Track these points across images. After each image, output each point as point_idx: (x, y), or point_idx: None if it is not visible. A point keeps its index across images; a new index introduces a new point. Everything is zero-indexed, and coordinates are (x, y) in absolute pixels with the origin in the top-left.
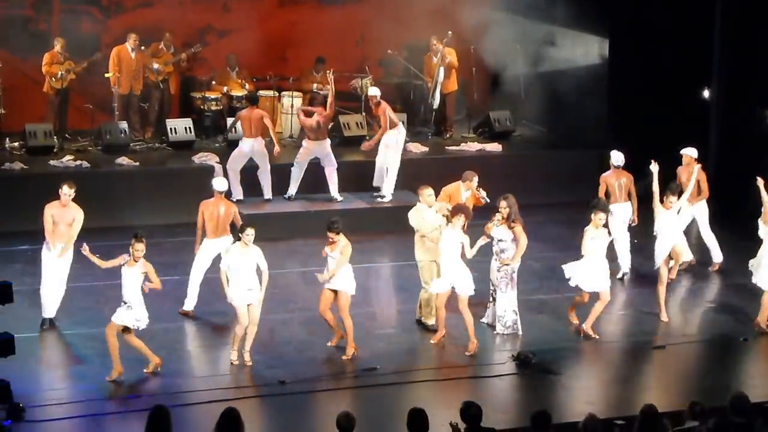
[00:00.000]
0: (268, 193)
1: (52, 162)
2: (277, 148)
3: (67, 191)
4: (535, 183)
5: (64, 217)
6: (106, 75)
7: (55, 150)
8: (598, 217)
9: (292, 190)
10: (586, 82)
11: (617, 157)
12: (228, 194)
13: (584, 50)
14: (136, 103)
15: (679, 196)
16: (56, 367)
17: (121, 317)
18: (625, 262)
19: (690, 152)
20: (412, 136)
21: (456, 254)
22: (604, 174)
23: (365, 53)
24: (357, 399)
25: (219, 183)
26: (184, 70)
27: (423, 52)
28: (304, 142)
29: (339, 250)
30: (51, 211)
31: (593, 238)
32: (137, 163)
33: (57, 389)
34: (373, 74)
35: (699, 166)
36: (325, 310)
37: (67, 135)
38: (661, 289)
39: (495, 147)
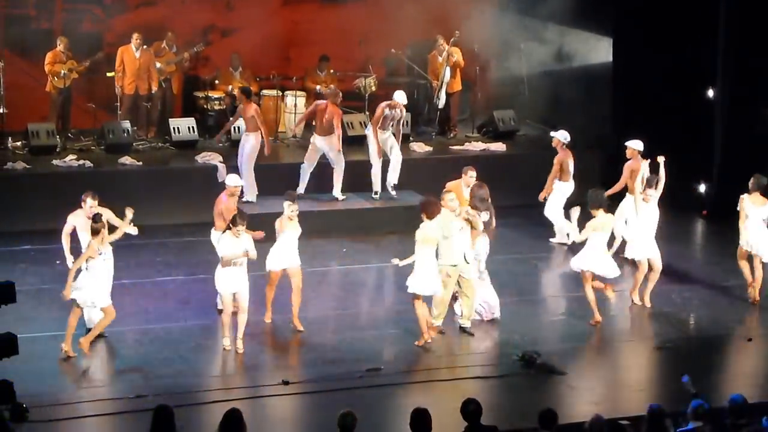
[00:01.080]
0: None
1: (54, 162)
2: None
3: (90, 203)
4: (539, 183)
5: (89, 226)
6: (108, 74)
7: (57, 149)
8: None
9: (301, 188)
10: (591, 82)
11: (566, 135)
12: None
13: (589, 50)
14: (139, 103)
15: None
16: (59, 368)
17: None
18: (563, 235)
19: (634, 145)
20: (416, 136)
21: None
22: (559, 155)
23: (368, 52)
24: (360, 399)
25: (231, 179)
26: (187, 70)
27: (426, 51)
28: (312, 138)
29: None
30: (75, 221)
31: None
32: (140, 163)
33: (60, 390)
34: (376, 73)
35: (647, 162)
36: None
37: (69, 134)
38: (640, 277)
39: (499, 146)
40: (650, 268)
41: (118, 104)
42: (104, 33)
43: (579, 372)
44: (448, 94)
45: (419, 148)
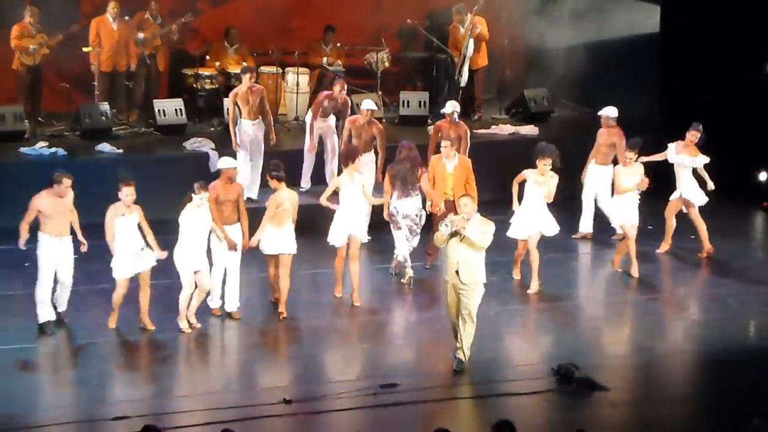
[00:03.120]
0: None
1: (23, 149)
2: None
3: (66, 183)
4: (576, 171)
5: (60, 207)
6: (84, 49)
7: (26, 136)
8: (543, 163)
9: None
10: (635, 56)
11: (455, 106)
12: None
13: (633, 19)
14: (120, 82)
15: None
16: (36, 386)
17: (143, 264)
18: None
19: (609, 112)
20: (435, 118)
21: (358, 201)
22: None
23: (381, 23)
24: (374, 420)
25: (225, 160)
26: (174, 44)
27: (447, 21)
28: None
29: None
30: (40, 203)
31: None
32: (121, 151)
33: (29, 411)
34: (390, 47)
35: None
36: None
37: (40, 118)
38: (632, 245)
39: (530, 130)
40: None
41: (95, 84)
42: (79, 2)
43: (623, 387)
44: (471, 71)
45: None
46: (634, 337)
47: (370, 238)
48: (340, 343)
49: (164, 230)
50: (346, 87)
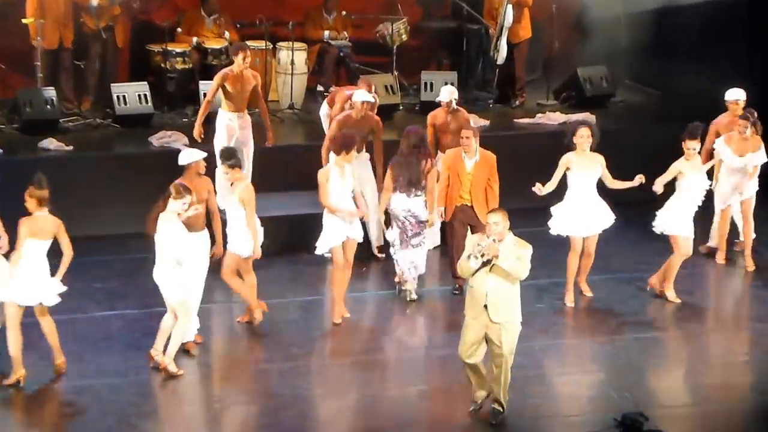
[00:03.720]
0: None
1: None
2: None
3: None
4: (643, 166)
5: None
6: (24, 21)
7: None
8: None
9: None
10: (718, 25)
11: (451, 91)
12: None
13: None
14: (68, 61)
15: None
16: None
17: (34, 295)
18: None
19: (740, 95)
20: (466, 105)
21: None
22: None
23: None
24: None
25: (187, 154)
26: (136, 13)
27: None
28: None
29: (239, 193)
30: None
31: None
32: (70, 147)
33: None
34: (408, 15)
35: None
36: (230, 275)
37: None
38: (677, 262)
39: (586, 118)
40: (677, 251)
41: (38, 64)
42: None
43: None
44: (510, 45)
45: (473, 121)
46: (713, 380)
47: (383, 255)
48: (341, 387)
49: (128, 248)
50: (374, 88)
